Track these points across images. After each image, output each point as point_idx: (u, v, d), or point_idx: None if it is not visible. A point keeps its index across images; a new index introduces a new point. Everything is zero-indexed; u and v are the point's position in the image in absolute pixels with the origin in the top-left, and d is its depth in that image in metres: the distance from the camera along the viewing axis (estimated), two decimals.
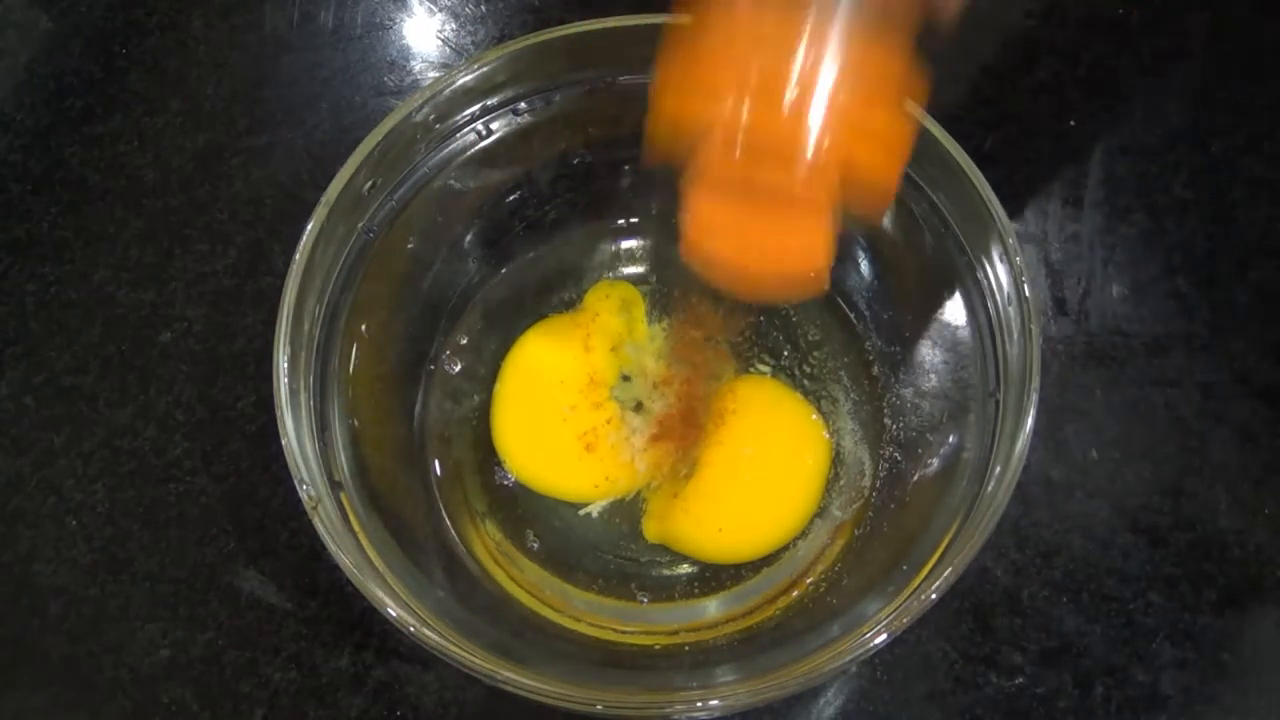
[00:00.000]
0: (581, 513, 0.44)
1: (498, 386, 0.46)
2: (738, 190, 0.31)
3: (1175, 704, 0.42)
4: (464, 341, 0.48)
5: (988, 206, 0.38)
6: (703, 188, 0.31)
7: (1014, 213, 0.51)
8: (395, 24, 0.59)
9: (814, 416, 0.45)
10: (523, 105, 0.44)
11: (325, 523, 0.35)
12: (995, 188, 0.38)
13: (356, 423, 0.41)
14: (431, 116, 0.42)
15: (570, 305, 0.48)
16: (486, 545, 0.44)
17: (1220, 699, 0.42)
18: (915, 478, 0.42)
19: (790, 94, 0.27)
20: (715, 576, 0.43)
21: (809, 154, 0.27)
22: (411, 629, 0.33)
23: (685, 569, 0.43)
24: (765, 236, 0.31)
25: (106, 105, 0.56)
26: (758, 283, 0.33)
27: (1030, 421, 0.35)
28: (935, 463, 0.41)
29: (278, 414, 0.36)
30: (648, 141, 0.30)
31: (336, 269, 0.41)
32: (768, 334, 0.47)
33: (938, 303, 0.43)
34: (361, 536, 0.36)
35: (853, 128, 0.28)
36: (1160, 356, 0.48)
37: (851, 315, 0.47)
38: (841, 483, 0.44)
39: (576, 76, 0.43)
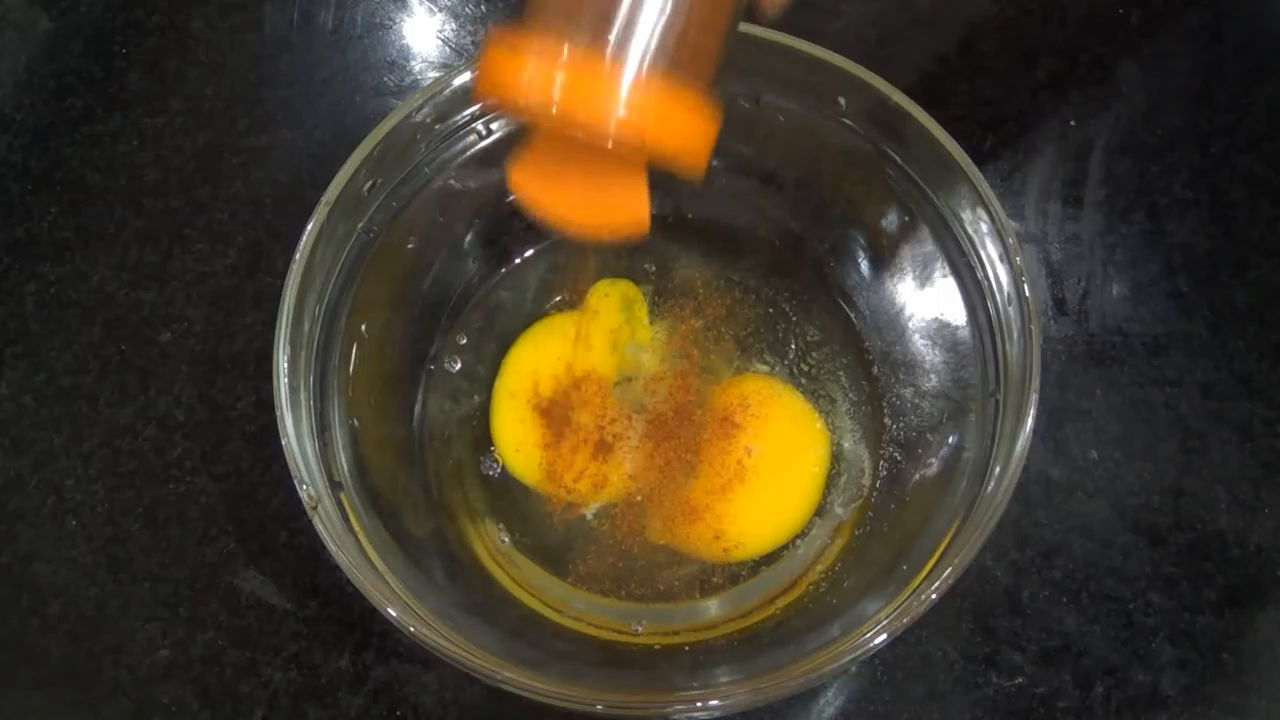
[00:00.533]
0: (582, 512, 0.44)
1: (497, 386, 0.46)
2: (559, 142, 0.32)
3: (1175, 704, 0.42)
4: (464, 341, 0.48)
5: (987, 206, 0.38)
6: (531, 138, 0.33)
7: (1014, 213, 0.51)
8: (395, 24, 0.59)
9: (813, 415, 0.45)
10: None
11: (325, 523, 0.35)
12: (995, 188, 0.39)
13: (356, 423, 0.41)
14: (431, 116, 0.42)
15: (570, 305, 0.48)
16: (486, 545, 0.44)
17: (1220, 699, 0.42)
18: (915, 478, 0.42)
19: (603, 64, 0.28)
20: (715, 576, 0.43)
21: (618, 117, 0.28)
22: (411, 629, 0.33)
23: (685, 569, 0.43)
24: (585, 185, 0.33)
25: (106, 105, 0.56)
26: (579, 226, 0.34)
27: (1030, 421, 0.35)
28: (935, 463, 0.41)
29: (278, 414, 0.36)
30: (475, 86, 0.32)
31: (336, 269, 0.41)
32: (767, 334, 0.47)
33: (938, 303, 0.43)
34: (361, 536, 0.36)
35: (657, 105, 0.29)
36: (1160, 356, 0.48)
37: (851, 315, 0.47)
38: (842, 481, 0.44)
39: None
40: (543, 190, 0.34)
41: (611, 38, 0.28)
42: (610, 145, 0.29)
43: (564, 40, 0.28)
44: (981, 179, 0.39)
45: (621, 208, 0.33)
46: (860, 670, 0.43)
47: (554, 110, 0.28)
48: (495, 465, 0.45)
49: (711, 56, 0.30)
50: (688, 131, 0.30)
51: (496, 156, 0.45)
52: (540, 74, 0.29)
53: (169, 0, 0.59)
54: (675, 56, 0.29)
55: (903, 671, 0.42)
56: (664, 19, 0.28)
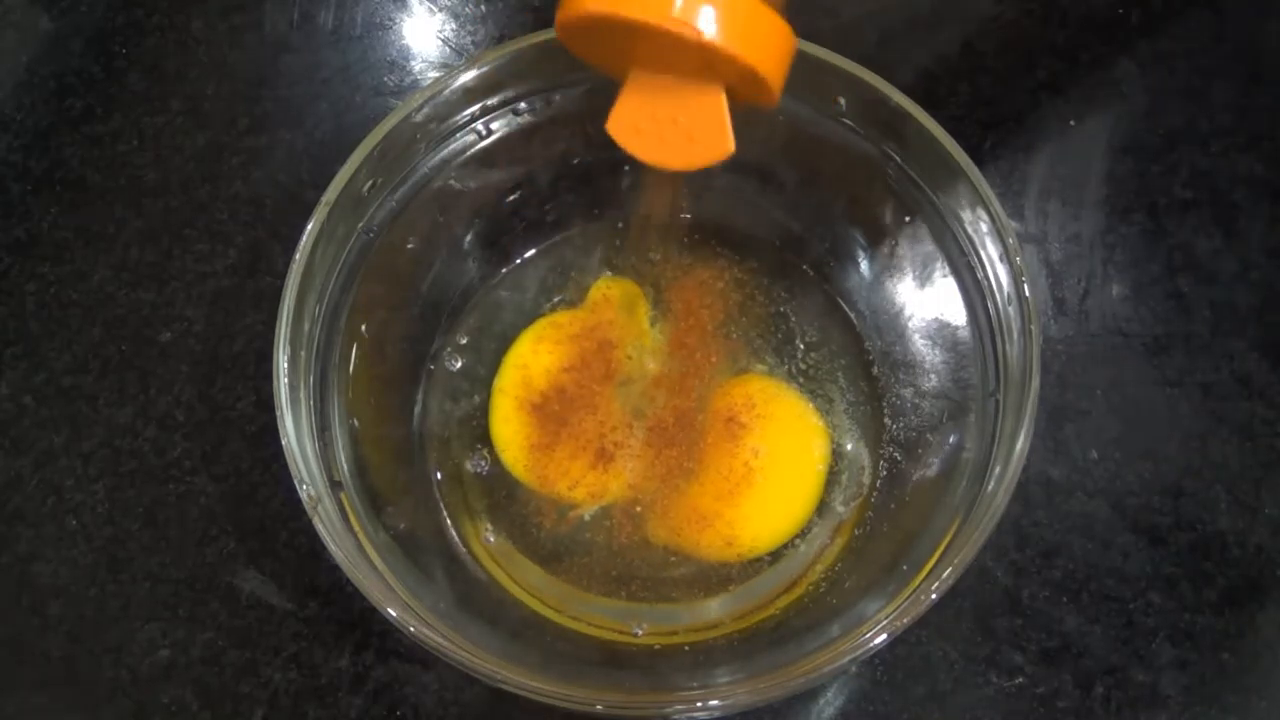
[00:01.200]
0: (582, 512, 0.44)
1: (497, 386, 0.46)
2: (647, 86, 0.36)
3: (1175, 704, 0.42)
4: (464, 341, 0.48)
5: (988, 206, 0.38)
6: (619, 93, 0.36)
7: (1014, 213, 0.51)
8: (395, 24, 0.59)
9: (813, 413, 0.45)
10: (523, 105, 0.44)
11: (325, 523, 0.35)
12: (995, 188, 0.38)
13: (356, 423, 0.41)
14: (431, 116, 0.42)
15: (570, 305, 0.49)
16: (486, 545, 0.44)
17: (1220, 699, 0.42)
18: (915, 478, 0.42)
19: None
20: (715, 576, 0.43)
21: (700, 48, 0.32)
22: (411, 629, 0.33)
23: (685, 569, 0.43)
24: (672, 127, 0.36)
25: (106, 105, 0.56)
26: (673, 163, 0.37)
27: (1030, 421, 0.35)
28: (935, 463, 0.41)
29: (278, 414, 0.36)
30: (558, 33, 0.35)
31: (336, 269, 0.41)
32: (767, 334, 0.47)
33: (938, 303, 0.43)
34: (361, 536, 0.36)
35: (735, 25, 0.32)
36: (1160, 356, 0.48)
37: (851, 315, 0.47)
38: (843, 479, 0.45)
39: (576, 76, 0.43)
40: (635, 138, 0.37)
41: None
42: (689, 41, 0.32)
43: None
44: (981, 179, 0.39)
45: (707, 140, 0.36)
46: (860, 670, 0.43)
47: (639, 14, 0.31)
48: (484, 463, 0.45)
49: None
50: (763, 38, 0.33)
51: (496, 156, 0.45)
52: None
53: (169, 0, 0.59)
54: None
55: (903, 671, 0.42)
56: None
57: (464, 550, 0.43)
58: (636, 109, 0.36)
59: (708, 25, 0.32)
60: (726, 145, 0.36)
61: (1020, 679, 0.42)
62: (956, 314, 0.42)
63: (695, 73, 0.34)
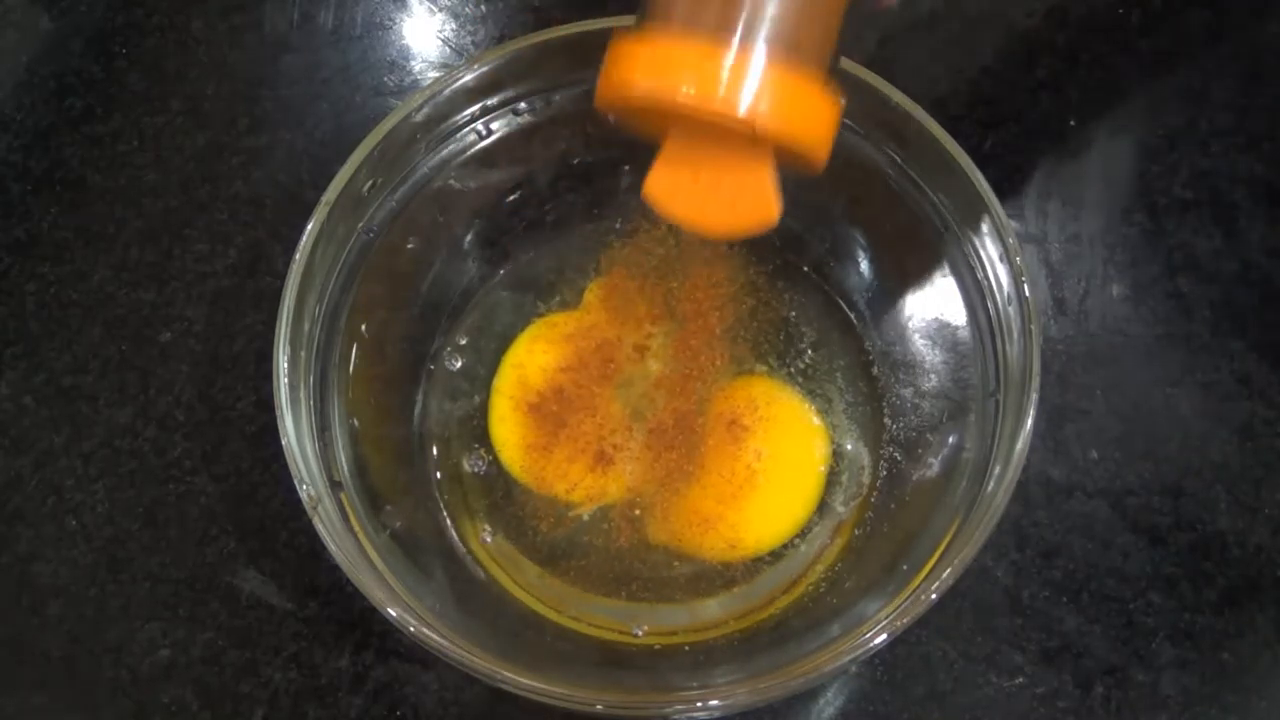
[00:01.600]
0: (581, 513, 0.44)
1: (496, 386, 0.46)
2: (689, 151, 0.34)
3: (1175, 704, 0.42)
4: (464, 341, 0.48)
5: (988, 207, 0.38)
6: (661, 150, 0.35)
7: (1014, 213, 0.51)
8: (395, 24, 0.59)
9: (812, 413, 0.45)
10: (523, 105, 0.44)
11: (325, 523, 0.35)
12: (995, 188, 0.38)
13: (356, 423, 0.41)
14: (431, 116, 0.42)
15: (570, 305, 0.49)
16: (485, 545, 0.44)
17: (1220, 699, 0.42)
18: (915, 478, 0.42)
19: (727, 54, 0.30)
20: (715, 576, 0.43)
21: (743, 104, 0.30)
22: (411, 629, 0.33)
23: (685, 569, 0.43)
24: (715, 190, 0.34)
25: (106, 105, 0.56)
26: (713, 229, 0.36)
27: (1030, 421, 0.35)
28: (935, 463, 0.41)
29: (278, 414, 0.36)
30: (597, 105, 0.34)
31: (336, 269, 0.41)
32: (768, 335, 0.47)
33: (938, 303, 0.43)
34: (361, 536, 0.37)
35: (782, 107, 0.31)
36: (1160, 356, 0.48)
37: (851, 315, 0.47)
38: (843, 478, 0.45)
39: (576, 76, 0.43)
40: (675, 201, 0.35)
41: (732, 28, 0.30)
42: (737, 128, 0.30)
43: (687, 34, 0.30)
44: (981, 179, 0.39)
45: (751, 207, 0.34)
46: (860, 670, 0.43)
47: (685, 99, 0.30)
48: (482, 463, 0.45)
49: (829, 42, 0.32)
50: (810, 116, 0.31)
51: (496, 156, 0.45)
52: (667, 68, 0.30)
53: (169, 0, 0.59)
54: (794, 43, 0.30)
55: (903, 671, 0.42)
56: (781, 7, 0.30)
57: (464, 550, 0.43)
58: (677, 173, 0.34)
59: (757, 111, 0.30)
60: (772, 213, 0.34)
61: (1020, 679, 0.42)
62: (956, 314, 0.42)
63: (740, 143, 0.33)
